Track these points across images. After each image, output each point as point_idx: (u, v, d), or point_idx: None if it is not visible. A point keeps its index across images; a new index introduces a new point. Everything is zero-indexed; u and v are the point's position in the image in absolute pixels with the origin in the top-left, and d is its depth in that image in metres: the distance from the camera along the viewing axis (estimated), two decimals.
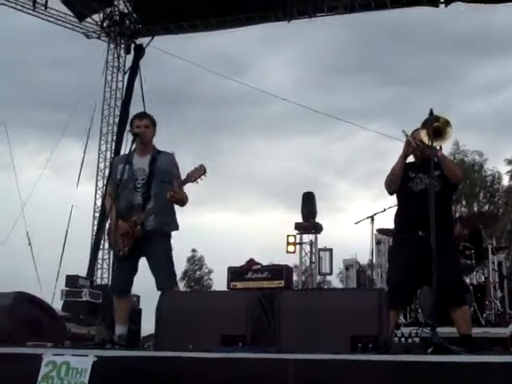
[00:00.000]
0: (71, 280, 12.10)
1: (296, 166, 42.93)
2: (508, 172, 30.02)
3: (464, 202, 29.56)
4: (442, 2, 13.80)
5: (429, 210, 4.70)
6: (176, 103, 35.18)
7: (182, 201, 5.85)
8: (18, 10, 14.91)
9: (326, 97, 36.27)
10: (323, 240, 13.64)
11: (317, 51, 38.32)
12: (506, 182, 30.20)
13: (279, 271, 10.56)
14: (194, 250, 43.73)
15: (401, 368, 3.86)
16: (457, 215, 21.46)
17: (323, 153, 43.55)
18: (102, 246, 15.17)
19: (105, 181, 15.18)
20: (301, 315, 4.46)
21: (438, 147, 5.36)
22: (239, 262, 11.21)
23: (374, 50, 36.15)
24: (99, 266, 15.41)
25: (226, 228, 45.13)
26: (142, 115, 6.07)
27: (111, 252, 12.60)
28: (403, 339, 4.39)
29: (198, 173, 5.67)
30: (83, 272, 14.19)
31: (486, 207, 28.41)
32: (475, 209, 28.35)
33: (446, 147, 25.39)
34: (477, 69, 40.01)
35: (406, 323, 8.30)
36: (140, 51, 15.87)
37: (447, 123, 5.23)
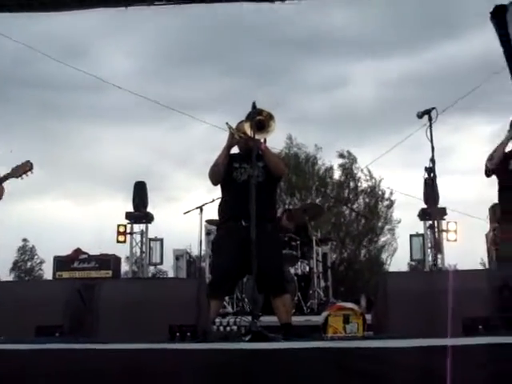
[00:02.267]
0: None
1: (134, 155, 42.21)
2: (340, 165, 31.18)
3: (298, 195, 30.35)
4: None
5: (249, 201, 4.79)
6: (8, 85, 33.66)
7: None
8: None
9: (165, 87, 35.89)
10: (157, 231, 13.59)
11: (156, 41, 37.88)
12: (337, 175, 31.33)
13: (106, 261, 10.46)
14: (25, 240, 42.24)
15: (217, 355, 3.92)
16: (287, 207, 22.06)
17: (161, 143, 43.18)
18: None
19: None
20: (121, 305, 4.43)
21: (262, 140, 5.47)
22: (70, 251, 10.96)
23: (214, 42, 36.15)
24: None
25: (60, 217, 43.75)
26: None
27: None
28: (222, 328, 4.46)
29: (24, 169, 5.50)
30: None
31: (318, 200, 29.36)
32: (308, 202, 29.22)
33: (279, 141, 26.05)
34: (314, 67, 41.15)
35: (232, 312, 8.44)
36: None
37: (270, 117, 5.37)
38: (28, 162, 5.53)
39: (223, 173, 5.60)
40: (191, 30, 34.05)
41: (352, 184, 30.85)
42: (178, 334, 4.22)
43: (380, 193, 30.43)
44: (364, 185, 30.69)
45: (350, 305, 5.06)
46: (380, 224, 30.52)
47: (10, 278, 35.11)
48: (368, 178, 30.34)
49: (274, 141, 5.61)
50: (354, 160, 30.66)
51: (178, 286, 4.68)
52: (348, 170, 30.91)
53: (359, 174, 30.49)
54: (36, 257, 43.13)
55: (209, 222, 9.83)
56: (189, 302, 4.32)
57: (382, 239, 30.46)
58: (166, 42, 38.07)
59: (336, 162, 30.99)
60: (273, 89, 34.68)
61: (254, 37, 36.25)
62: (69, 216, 44.07)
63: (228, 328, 4.42)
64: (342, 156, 30.99)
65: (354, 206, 29.43)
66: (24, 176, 5.53)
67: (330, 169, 31.23)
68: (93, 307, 4.56)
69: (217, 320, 4.74)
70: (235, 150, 5.70)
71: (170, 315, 4.27)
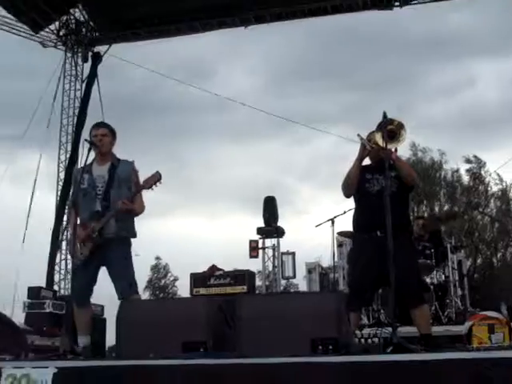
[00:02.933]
0: (33, 291, 11.97)
1: (260, 170, 42.95)
2: (468, 171, 30.33)
3: (425, 202, 29.76)
4: (396, 5, 13.95)
5: (385, 211, 4.76)
6: (137, 111, 34.91)
7: (134, 211, 5.84)
8: None
9: (287, 102, 36.39)
10: (287, 244, 13.67)
11: (277, 56, 38.41)
12: (465, 180, 30.47)
13: (241, 276, 10.60)
14: (158, 258, 43.45)
15: (360, 368, 3.91)
16: (419, 215, 21.65)
17: (286, 157, 43.69)
18: (64, 256, 15.05)
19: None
20: (261, 319, 4.47)
21: (393, 149, 5.42)
22: (204, 268, 11.21)
23: (332, 54, 36.36)
24: (62, 277, 15.27)
25: (191, 235, 44.96)
26: (99, 124, 6.07)
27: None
28: (363, 340, 4.44)
29: (153, 179, 5.67)
30: (43, 282, 14.07)
31: (446, 207, 28.68)
32: (436, 209, 28.58)
33: (404, 149, 25.66)
34: (434, 71, 40.41)
35: (368, 324, 8.38)
36: (97, 59, 15.76)
37: (401, 126, 5.31)
38: (157, 172, 5.69)
39: (356, 185, 5.60)
40: (310, 45, 34.32)
41: (481, 188, 29.93)
42: (320, 347, 4.23)
43: None
44: (494, 189, 29.72)
45: (494, 314, 4.91)
46: None
47: (144, 296, 36.18)
48: (498, 181, 29.36)
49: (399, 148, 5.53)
50: (482, 164, 29.76)
51: (318, 299, 4.69)
52: (476, 175, 30.02)
53: (487, 179, 29.58)
54: (169, 274, 44.29)
55: (340, 233, 9.80)
56: (330, 315, 4.30)
57: None
58: (288, 58, 38.46)
59: (462, 167, 30.19)
60: (395, 97, 34.24)
61: (372, 47, 35.97)
62: (199, 233, 45.15)
63: (369, 340, 4.38)
64: (468, 161, 30.15)
65: (486, 211, 28.56)
66: (154, 187, 5.71)
67: (456, 171, 30.44)
68: (234, 322, 4.64)
69: (357, 332, 4.71)
70: (366, 161, 5.69)
71: (312, 329, 4.28)
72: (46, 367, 4.32)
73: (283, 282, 14.62)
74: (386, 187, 4.99)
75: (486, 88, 38.94)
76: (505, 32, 35.10)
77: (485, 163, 29.48)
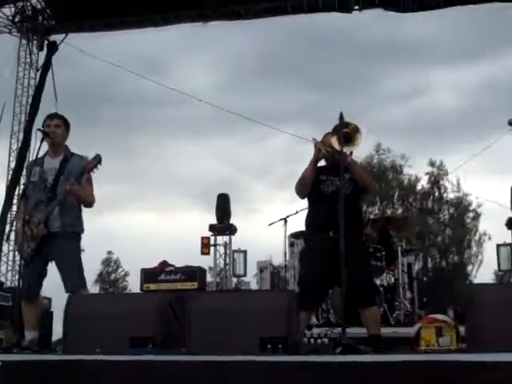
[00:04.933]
0: None
1: (214, 167, 42.78)
2: (427, 174, 30.62)
3: (378, 204, 30.02)
4: (355, 9, 13.99)
5: (338, 212, 4.77)
6: (92, 103, 34.48)
7: (81, 197, 5.75)
8: None
9: (244, 99, 36.40)
10: (238, 242, 13.64)
11: (235, 54, 38.44)
12: (424, 183, 30.77)
13: (192, 273, 10.57)
14: (109, 252, 43.05)
15: (309, 368, 3.91)
16: (371, 217, 21.84)
17: (240, 155, 43.71)
18: (11, 248, 14.80)
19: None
20: (211, 317, 4.46)
21: (348, 152, 5.43)
22: (155, 263, 11.14)
23: (291, 54, 36.35)
24: (9, 268, 15.02)
25: (143, 230, 44.57)
26: (54, 115, 5.98)
27: None
28: (313, 340, 4.43)
29: (93, 162, 5.62)
30: None
31: (400, 210, 28.93)
32: (389, 211, 28.83)
33: (367, 149, 25.83)
34: (392, 75, 40.86)
35: (317, 324, 8.40)
36: (53, 48, 15.49)
37: (357, 130, 5.34)
38: (97, 155, 5.65)
39: (310, 186, 5.61)
40: (269, 44, 34.37)
41: (437, 194, 30.32)
42: (269, 346, 4.22)
43: (466, 203, 29.83)
44: (450, 195, 30.15)
45: (442, 317, 4.97)
46: (467, 236, 29.85)
47: (94, 289, 35.80)
48: (455, 188, 29.79)
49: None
50: (442, 170, 30.11)
51: (268, 298, 4.69)
52: (435, 180, 30.41)
53: (446, 184, 29.99)
54: (120, 269, 43.94)
55: (292, 235, 9.82)
56: (280, 313, 4.31)
57: (468, 250, 29.80)
58: (244, 56, 38.49)
59: (422, 171, 30.46)
60: (351, 99, 34.53)
61: (330, 48, 36.23)
62: (151, 228, 44.82)
63: (319, 340, 4.38)
64: (432, 164, 30.47)
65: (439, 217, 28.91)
66: (95, 170, 5.65)
67: (415, 178, 30.73)
68: (184, 319, 4.61)
69: (306, 332, 4.71)
70: (321, 162, 5.70)
71: (261, 327, 4.28)
72: None
73: (234, 279, 14.57)
74: (341, 190, 5.00)
75: (441, 95, 39.55)
76: (461, 42, 35.78)
77: (447, 171, 29.81)
